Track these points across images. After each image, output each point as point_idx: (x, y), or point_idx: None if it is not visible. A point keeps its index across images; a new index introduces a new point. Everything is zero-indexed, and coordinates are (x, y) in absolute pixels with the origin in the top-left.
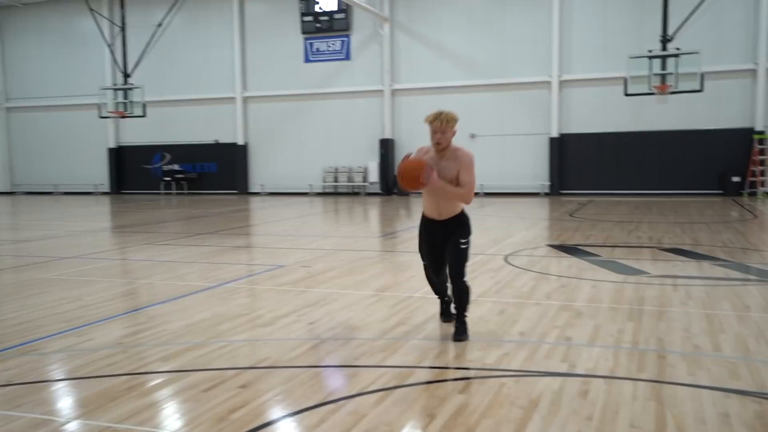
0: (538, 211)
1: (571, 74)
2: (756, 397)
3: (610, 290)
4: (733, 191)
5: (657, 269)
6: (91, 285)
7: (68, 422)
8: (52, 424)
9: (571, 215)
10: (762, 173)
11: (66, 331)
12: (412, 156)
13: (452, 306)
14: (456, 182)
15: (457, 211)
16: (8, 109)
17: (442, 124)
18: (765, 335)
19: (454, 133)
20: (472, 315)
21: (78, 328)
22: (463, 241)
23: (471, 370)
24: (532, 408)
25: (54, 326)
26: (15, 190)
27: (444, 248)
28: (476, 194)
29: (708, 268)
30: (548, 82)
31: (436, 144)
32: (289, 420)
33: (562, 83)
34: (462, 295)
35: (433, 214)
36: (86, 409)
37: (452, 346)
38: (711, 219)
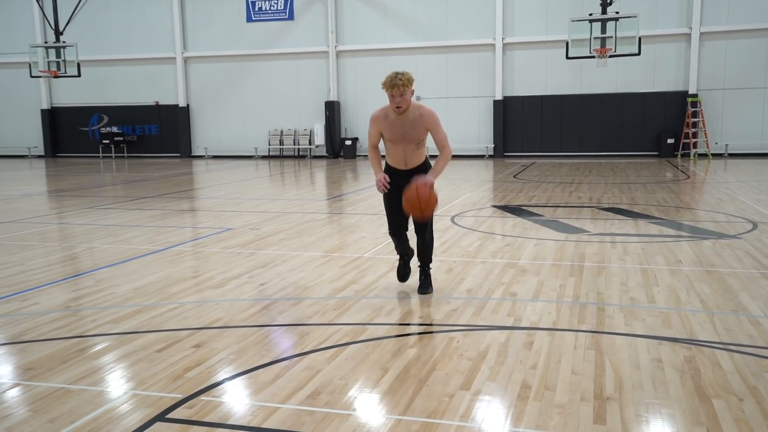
0: (483, 173)
1: (514, 37)
2: (686, 344)
3: (553, 248)
4: (668, 153)
5: (596, 228)
6: (32, 249)
7: (16, 386)
8: None
9: (514, 177)
10: (695, 135)
11: (9, 296)
12: (416, 183)
13: (414, 261)
14: (423, 141)
15: (422, 160)
16: None
17: (399, 89)
18: (695, 287)
19: (412, 93)
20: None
21: (22, 292)
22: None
23: (421, 326)
24: (480, 359)
25: None
26: None
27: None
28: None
29: (644, 226)
30: (492, 45)
31: (397, 108)
32: (244, 377)
33: (506, 46)
34: (429, 246)
35: (400, 165)
36: (35, 372)
37: (402, 304)
38: (647, 179)
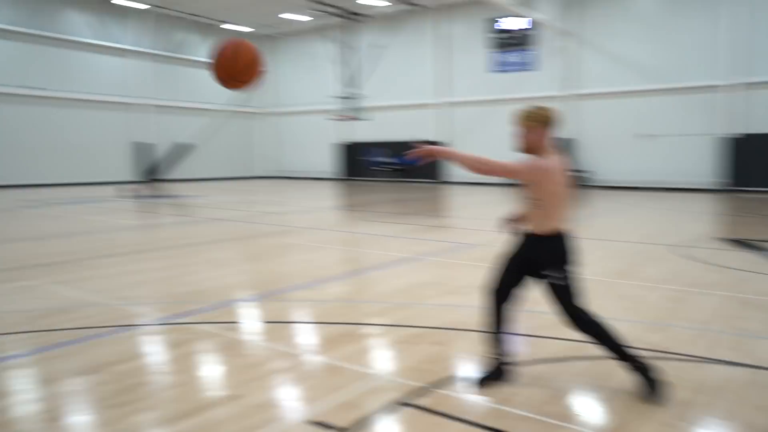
0: (711, 206)
1: (751, 77)
2: None
3: None
4: None
5: None
6: (321, 251)
7: (300, 355)
8: (289, 355)
9: (746, 212)
10: None
11: (304, 286)
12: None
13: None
14: (533, 197)
15: (544, 229)
16: (276, 114)
17: (519, 122)
18: None
19: (536, 135)
20: (643, 299)
21: (313, 284)
22: (555, 275)
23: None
24: (696, 391)
25: (296, 281)
26: (264, 175)
27: (522, 273)
28: (644, 189)
29: None
30: (724, 86)
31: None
32: (475, 377)
33: (741, 86)
34: (593, 330)
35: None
36: (314, 347)
37: (632, 328)
38: None
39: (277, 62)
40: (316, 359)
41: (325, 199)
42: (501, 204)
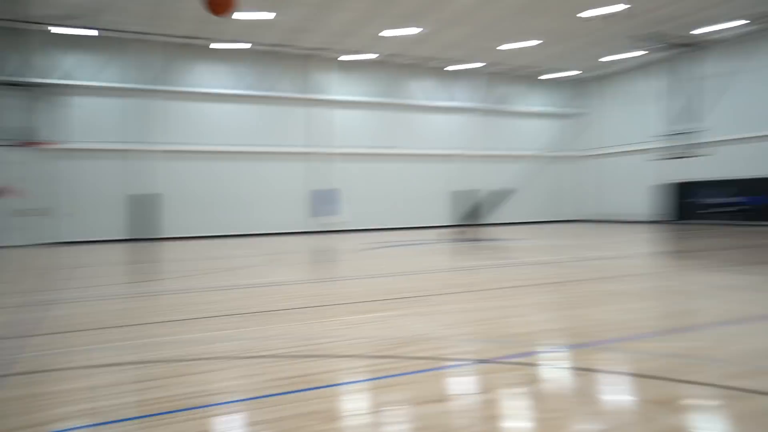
0: None
1: None
2: None
3: None
4: None
5: None
6: (641, 302)
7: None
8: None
9: None
10: None
11: (625, 338)
12: None
13: None
14: None
15: None
16: (593, 156)
17: None
18: None
19: None
20: None
21: (632, 336)
22: None
23: None
24: None
25: (620, 333)
26: (575, 218)
27: None
28: None
29: None
30: None
31: None
32: None
33: None
34: None
35: None
36: (643, 409)
37: None
38: None
39: (594, 104)
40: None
41: (646, 244)
42: None
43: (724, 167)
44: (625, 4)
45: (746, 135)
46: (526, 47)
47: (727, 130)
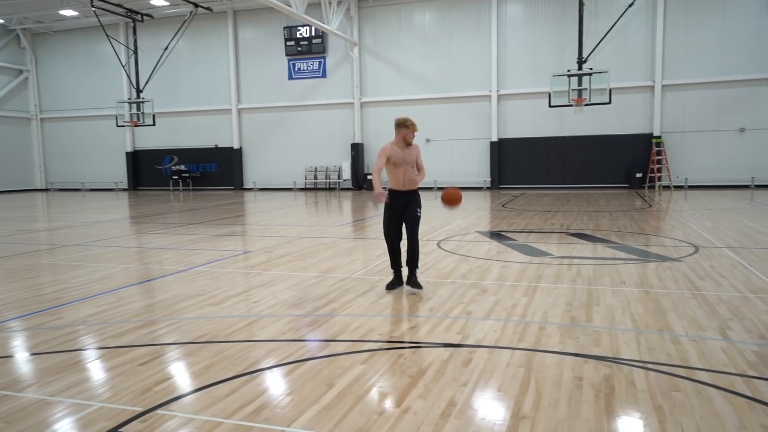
0: (478, 202)
1: (507, 89)
2: (609, 362)
3: (516, 270)
4: (636, 185)
5: (559, 251)
6: (81, 269)
7: (20, 392)
8: None
9: (503, 206)
10: (659, 170)
11: (41, 311)
12: (448, 189)
13: (404, 268)
14: (417, 165)
15: (417, 184)
16: (42, 119)
17: (415, 128)
18: (630, 307)
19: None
20: (391, 294)
21: (54, 308)
22: (418, 210)
23: (378, 342)
24: (419, 376)
25: (32, 306)
26: (49, 187)
27: (402, 216)
28: (429, 189)
29: (601, 249)
30: (489, 96)
31: (409, 143)
32: (204, 392)
33: (500, 97)
34: (416, 253)
35: (399, 186)
36: (32, 382)
37: (367, 321)
38: (614, 208)
39: (48, 61)
40: (19, 398)
41: (111, 211)
42: (295, 208)
43: (179, 137)
44: None
45: (186, 109)
46: None
47: (172, 104)
